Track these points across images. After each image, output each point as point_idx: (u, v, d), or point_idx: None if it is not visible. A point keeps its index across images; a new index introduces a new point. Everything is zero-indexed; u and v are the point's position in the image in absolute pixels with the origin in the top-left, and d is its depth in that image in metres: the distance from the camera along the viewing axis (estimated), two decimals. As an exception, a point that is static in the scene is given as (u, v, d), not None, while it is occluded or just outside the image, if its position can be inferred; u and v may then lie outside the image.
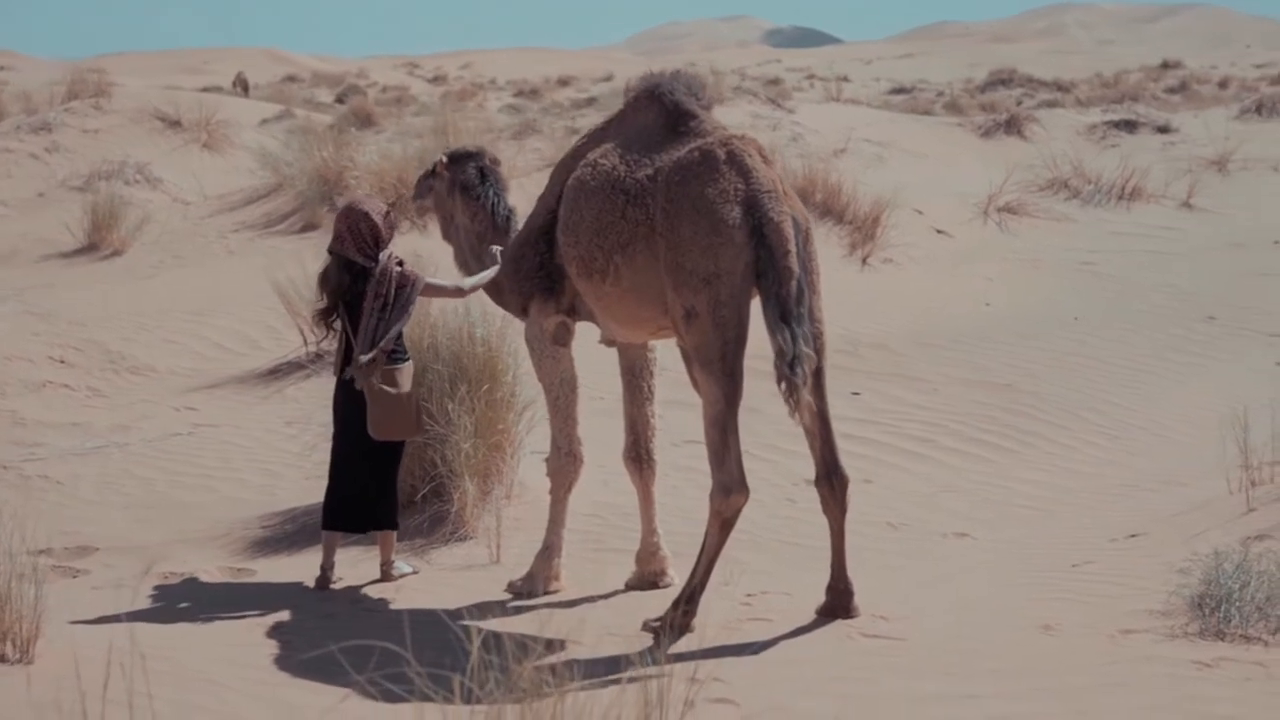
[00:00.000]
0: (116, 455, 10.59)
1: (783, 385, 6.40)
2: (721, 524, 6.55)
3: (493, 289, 8.11)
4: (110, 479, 10.11)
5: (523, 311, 7.76)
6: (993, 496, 9.40)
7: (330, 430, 9.60)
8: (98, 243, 17.12)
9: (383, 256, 7.84)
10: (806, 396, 6.42)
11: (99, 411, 11.64)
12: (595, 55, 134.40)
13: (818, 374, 6.59)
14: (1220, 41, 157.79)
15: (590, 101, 49.59)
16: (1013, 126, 24.77)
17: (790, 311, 6.40)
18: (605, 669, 5.98)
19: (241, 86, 56.76)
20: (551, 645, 6.31)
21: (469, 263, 8.32)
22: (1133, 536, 7.95)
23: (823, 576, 7.36)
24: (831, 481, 6.74)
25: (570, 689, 5.50)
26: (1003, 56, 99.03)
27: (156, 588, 7.77)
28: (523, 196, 17.41)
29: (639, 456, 7.67)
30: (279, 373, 12.43)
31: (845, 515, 6.77)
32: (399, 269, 7.86)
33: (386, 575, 7.82)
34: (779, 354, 6.39)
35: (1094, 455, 10.47)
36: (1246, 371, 12.60)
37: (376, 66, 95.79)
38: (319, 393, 11.87)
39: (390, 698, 5.90)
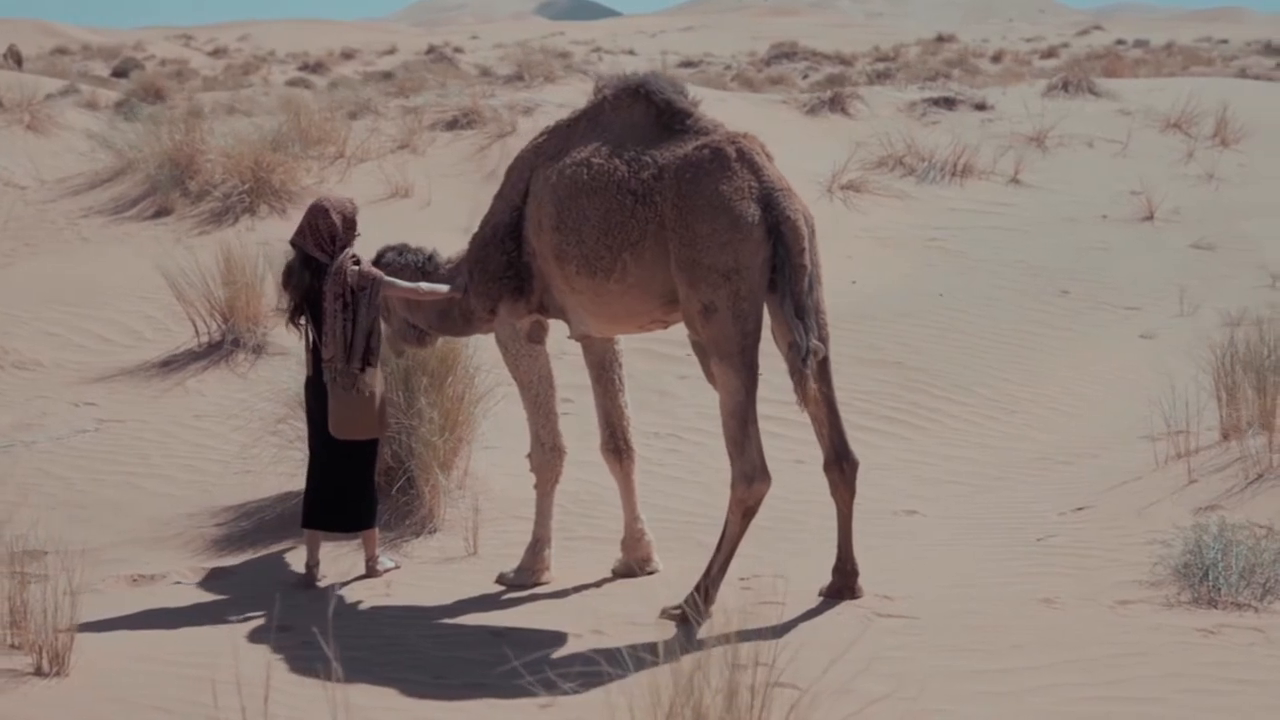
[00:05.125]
0: (26, 455, 10.34)
1: (794, 377, 6.63)
2: (744, 512, 6.76)
3: (438, 318, 8.12)
4: (29, 479, 9.88)
5: (490, 313, 7.78)
6: (922, 474, 9.78)
7: (266, 425, 9.62)
8: (-61, 231, 16.49)
9: (342, 255, 7.83)
10: (813, 387, 6.66)
11: (-6, 409, 11.32)
12: (373, 27, 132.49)
13: (824, 362, 6.84)
14: (983, 14, 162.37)
15: (387, 76, 49.06)
16: (837, 104, 25.30)
17: (803, 306, 6.64)
18: (641, 657, 6.10)
19: (14, 59, 54.65)
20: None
21: (405, 334, 8.37)
22: (1080, 509, 8.37)
23: (802, 558, 7.64)
24: (841, 465, 7.00)
25: (616, 678, 5.68)
26: (782, 29, 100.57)
27: (137, 591, 7.69)
28: (380, 177, 17.48)
29: (617, 448, 7.82)
30: (173, 365, 12.23)
31: (854, 498, 7.04)
32: (355, 267, 7.84)
33: (372, 571, 7.84)
34: (792, 347, 6.62)
35: (997, 430, 10.93)
36: (1112, 344, 13.21)
37: (150, 38, 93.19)
38: (220, 385, 11.78)
39: (431, 694, 6.00)
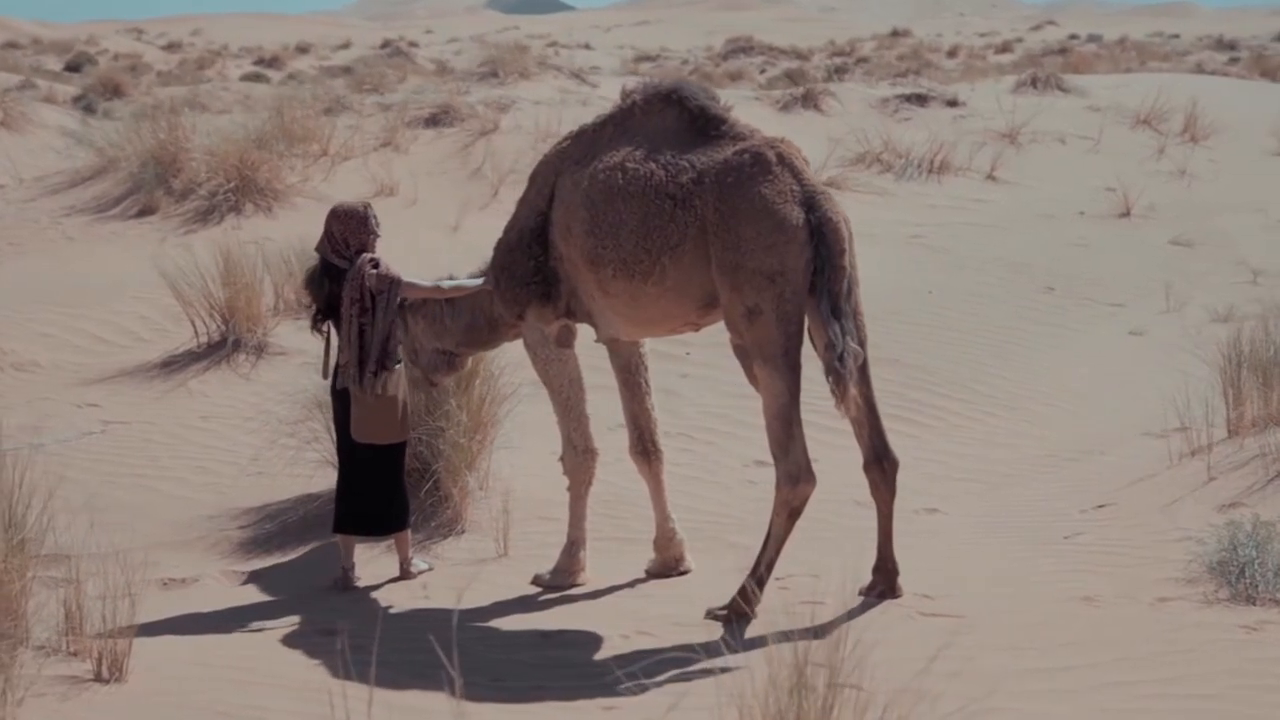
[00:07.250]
0: (35, 457, 10.26)
1: (831, 379, 6.71)
2: (790, 513, 6.83)
3: (464, 334, 8.12)
4: (39, 482, 9.80)
5: (518, 319, 7.81)
6: (933, 472, 9.86)
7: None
8: (-77, 231, 16.36)
9: (360, 259, 7.83)
10: (853, 389, 6.74)
11: (-3, 411, 11.25)
12: (325, 20, 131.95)
13: (863, 364, 6.92)
14: (935, 9, 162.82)
15: (347, 70, 48.83)
16: (810, 100, 25.40)
17: (841, 308, 6.73)
18: (693, 658, 6.16)
19: (-35, 55, 54.17)
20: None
21: (435, 364, 8.38)
22: (1101, 507, 8.47)
23: (832, 556, 7.70)
24: (882, 465, 7.08)
25: (672, 678, 5.74)
26: (738, 24, 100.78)
27: (171, 595, 7.68)
28: (365, 175, 17.44)
29: (645, 450, 7.87)
30: (173, 365, 12.18)
31: (894, 498, 7.11)
32: (374, 270, 7.83)
33: (406, 573, 7.87)
34: (829, 347, 6.70)
35: (1000, 427, 11.03)
36: (1102, 341, 13.34)
37: (101, 32, 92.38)
38: (223, 385, 11.76)
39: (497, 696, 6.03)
